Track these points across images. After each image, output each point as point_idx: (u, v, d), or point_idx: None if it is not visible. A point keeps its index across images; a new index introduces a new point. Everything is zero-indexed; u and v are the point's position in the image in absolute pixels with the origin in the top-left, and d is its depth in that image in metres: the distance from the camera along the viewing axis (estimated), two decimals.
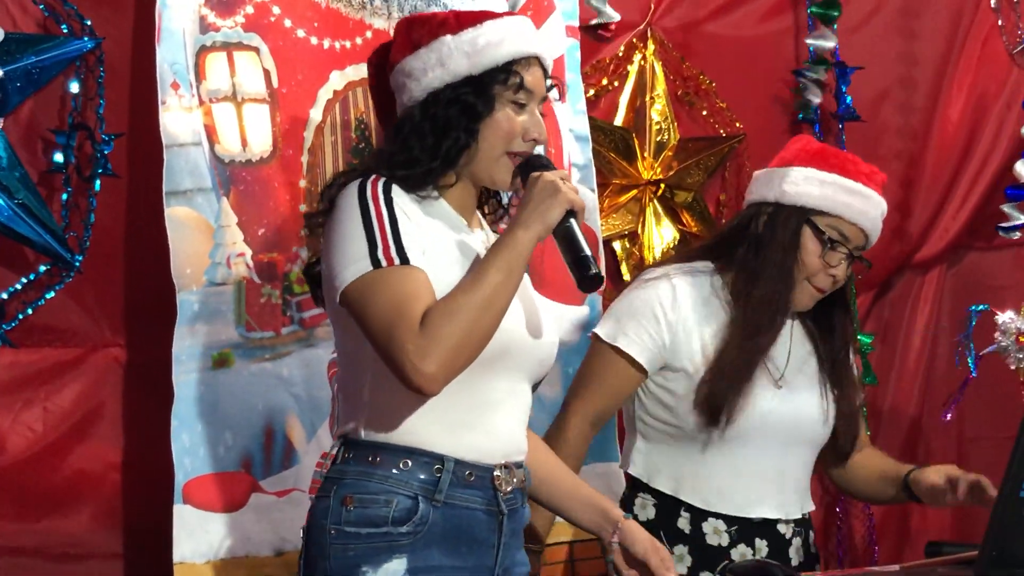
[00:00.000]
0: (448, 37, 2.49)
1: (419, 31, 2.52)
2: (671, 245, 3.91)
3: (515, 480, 2.49)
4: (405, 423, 2.40)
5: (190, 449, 2.99)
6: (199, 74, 3.09)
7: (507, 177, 2.51)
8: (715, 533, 3.00)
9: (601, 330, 3.06)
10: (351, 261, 2.35)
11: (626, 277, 3.86)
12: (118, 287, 3.17)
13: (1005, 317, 3.88)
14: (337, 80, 3.27)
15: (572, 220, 2.41)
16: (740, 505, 3.01)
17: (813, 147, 3.13)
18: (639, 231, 3.90)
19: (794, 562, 3.08)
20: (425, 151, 2.47)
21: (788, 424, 3.02)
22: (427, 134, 2.47)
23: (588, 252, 2.41)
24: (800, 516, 3.08)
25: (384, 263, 2.32)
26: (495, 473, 2.45)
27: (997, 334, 3.88)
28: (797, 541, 3.10)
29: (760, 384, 2.99)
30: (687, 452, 3.00)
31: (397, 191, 2.42)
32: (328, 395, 3.18)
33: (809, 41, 4.03)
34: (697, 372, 2.97)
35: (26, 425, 3.07)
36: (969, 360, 4.07)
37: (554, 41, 2.63)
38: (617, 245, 3.90)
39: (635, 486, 3.08)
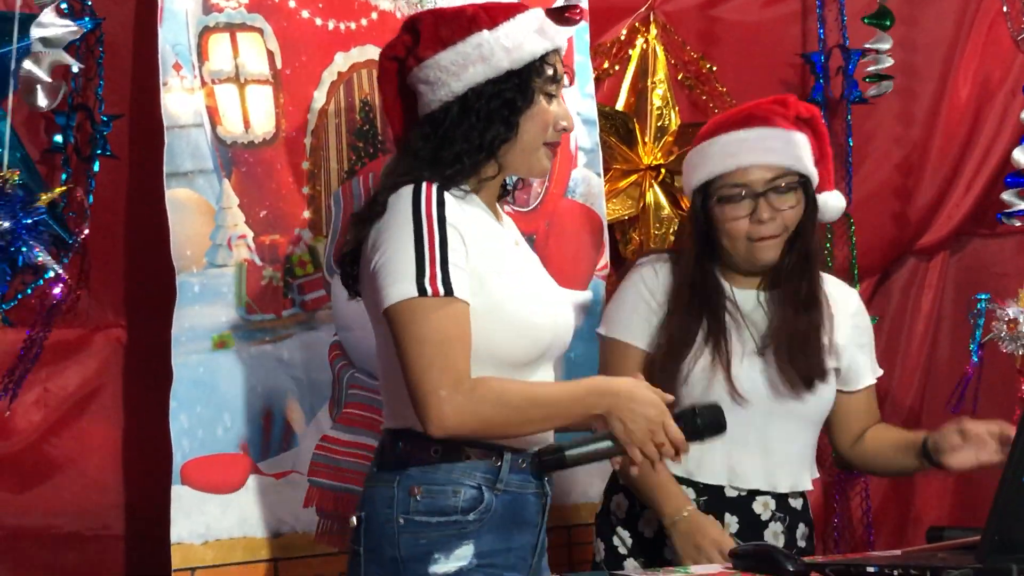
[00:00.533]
0: (485, 32, 2.53)
1: (449, 27, 2.56)
2: (671, 230, 3.89)
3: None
4: None
5: (188, 430, 2.99)
6: (202, 55, 3.08)
7: (547, 164, 2.61)
8: None
9: (602, 329, 3.13)
10: (397, 279, 2.40)
11: (626, 262, 3.86)
12: (119, 268, 3.17)
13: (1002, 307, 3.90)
14: (342, 62, 3.26)
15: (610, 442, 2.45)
16: (721, 474, 3.01)
17: (704, 128, 3.18)
18: (639, 216, 3.89)
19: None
20: (471, 146, 2.52)
21: (765, 392, 3.03)
22: (471, 129, 2.52)
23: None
24: (789, 492, 3.07)
25: (430, 292, 2.37)
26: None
27: (994, 322, 3.89)
28: (776, 526, 3.07)
29: (738, 352, 3.02)
30: None
31: (449, 199, 2.46)
32: (328, 378, 3.18)
33: (867, 46, 4.00)
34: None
35: (27, 406, 3.07)
36: (972, 348, 4.07)
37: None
38: (617, 230, 3.88)
39: None
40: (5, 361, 3.06)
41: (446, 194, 2.46)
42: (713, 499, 3.03)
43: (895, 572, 2.28)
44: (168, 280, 3.01)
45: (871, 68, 3.99)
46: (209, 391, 3.03)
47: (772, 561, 2.45)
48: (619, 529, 3.11)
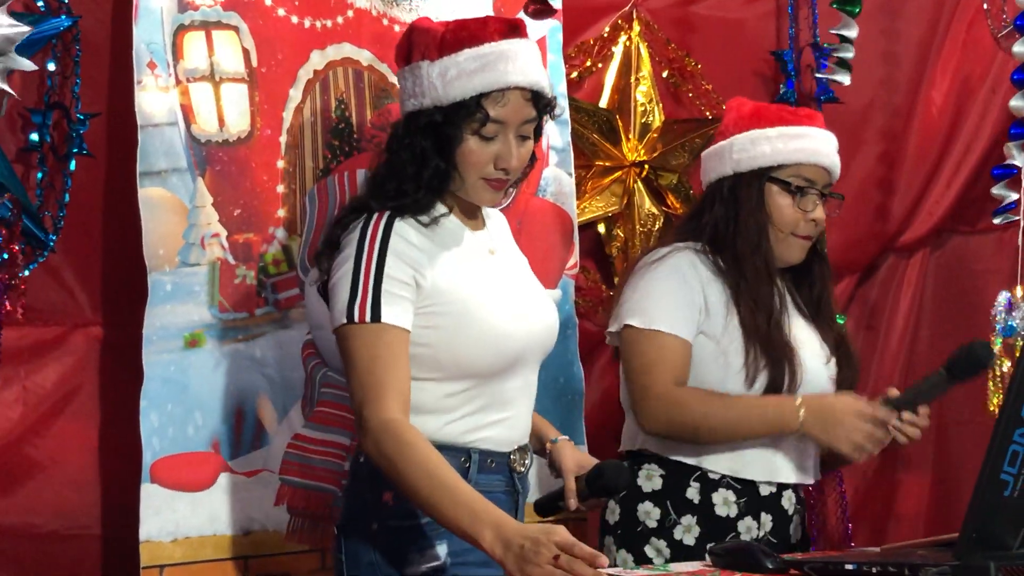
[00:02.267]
0: (425, 64, 2.58)
1: (414, 45, 2.62)
2: (656, 227, 3.90)
3: (526, 461, 2.69)
4: (435, 425, 2.56)
5: (159, 429, 2.99)
6: (176, 53, 3.07)
7: (488, 199, 2.63)
8: (724, 504, 3.03)
9: (633, 320, 3.04)
10: (336, 306, 2.53)
11: (611, 258, 3.87)
12: (96, 266, 3.16)
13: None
14: (318, 60, 3.26)
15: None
16: (759, 469, 3.02)
17: (746, 110, 3.18)
18: (623, 212, 3.90)
19: (792, 540, 3.11)
20: (410, 181, 2.58)
21: (826, 381, 3.08)
22: (408, 163, 2.59)
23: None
24: (811, 483, 3.13)
25: (356, 318, 2.48)
26: (511, 456, 2.65)
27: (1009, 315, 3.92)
28: (797, 519, 3.12)
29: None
30: None
31: (400, 226, 2.55)
32: (301, 376, 3.19)
33: (832, 31, 3.99)
34: (723, 346, 3.01)
35: (5, 404, 3.07)
36: (998, 342, 4.07)
37: (539, 63, 2.64)
38: (601, 227, 3.89)
39: (638, 458, 3.10)
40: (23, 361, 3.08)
41: (398, 223, 2.53)
42: (751, 499, 3.04)
43: (873, 570, 2.28)
44: (144, 278, 3.01)
45: (836, 54, 3.99)
46: (180, 390, 3.04)
47: (751, 558, 2.45)
48: (653, 540, 3.06)
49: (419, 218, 2.58)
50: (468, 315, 2.54)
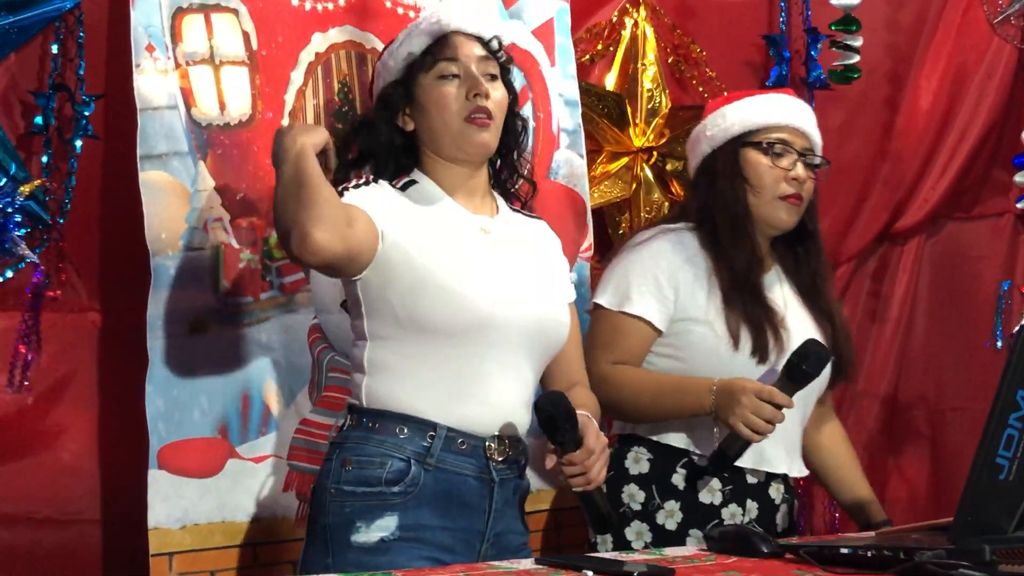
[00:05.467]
0: (380, 60, 2.75)
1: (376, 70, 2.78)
2: (662, 214, 3.87)
3: (509, 452, 2.62)
4: (401, 392, 2.56)
5: (165, 414, 2.97)
6: (175, 36, 3.05)
7: (478, 138, 2.64)
8: (708, 492, 3.01)
9: (602, 299, 3.06)
10: None
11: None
12: (95, 251, 3.15)
13: None
14: (319, 42, 3.24)
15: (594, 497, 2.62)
16: (753, 459, 2.99)
17: (718, 99, 3.30)
18: (629, 199, 3.86)
19: (779, 529, 3.09)
20: (378, 146, 2.71)
21: None
22: (377, 135, 2.72)
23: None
24: (799, 475, 3.10)
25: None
26: (487, 443, 2.59)
27: None
28: (784, 508, 3.11)
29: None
30: None
31: (380, 184, 2.66)
32: (308, 361, 3.16)
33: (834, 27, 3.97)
34: (710, 319, 2.99)
35: (2, 389, 3.05)
36: (997, 333, 4.07)
37: (483, 14, 2.71)
38: (607, 213, 3.86)
39: (628, 442, 3.08)
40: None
41: (373, 184, 2.63)
42: (737, 487, 3.02)
43: (868, 553, 2.26)
44: (144, 263, 2.99)
45: (840, 52, 3.97)
46: (186, 375, 3.01)
47: (747, 543, 2.43)
48: (635, 523, 3.05)
49: (390, 182, 2.66)
50: (431, 272, 2.54)
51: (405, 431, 2.54)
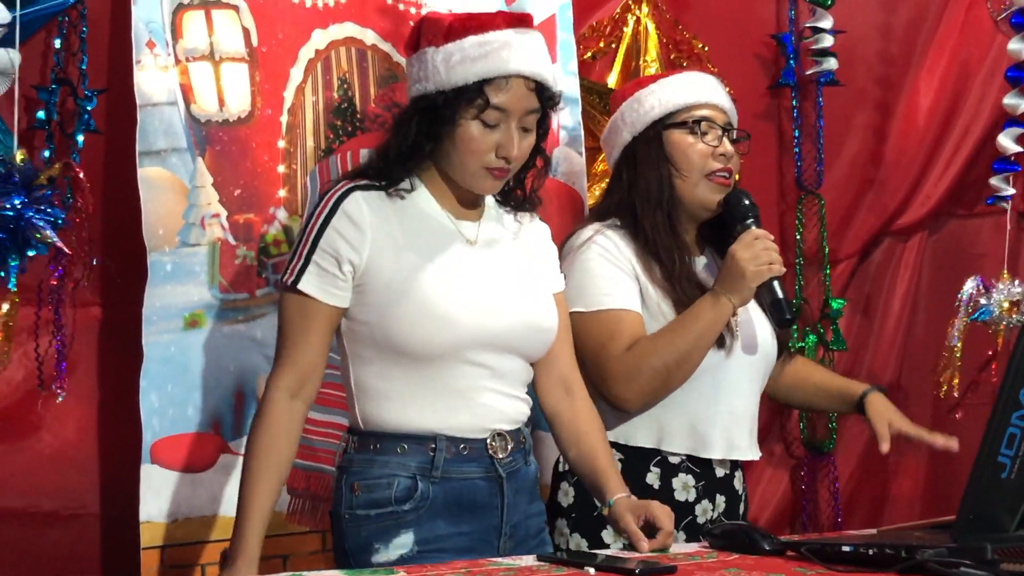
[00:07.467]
0: (431, 50, 2.58)
1: (422, 34, 2.63)
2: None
3: (511, 444, 2.65)
4: (393, 412, 2.59)
5: (158, 409, 2.99)
6: (176, 33, 3.07)
7: (488, 186, 2.63)
8: (684, 489, 3.02)
9: (577, 307, 3.00)
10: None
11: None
12: (96, 245, 3.15)
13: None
14: (319, 39, 3.25)
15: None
16: (724, 447, 3.01)
17: (627, 85, 3.31)
18: None
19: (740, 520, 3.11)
20: (397, 152, 2.61)
21: (771, 347, 3.08)
22: (396, 140, 2.62)
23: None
24: (756, 457, 3.11)
25: (284, 279, 2.58)
26: (488, 442, 2.62)
27: (981, 299, 3.90)
28: (744, 497, 3.14)
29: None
30: (664, 402, 2.99)
31: (354, 200, 2.56)
32: None
33: (807, 24, 3.97)
34: (664, 311, 2.98)
35: (4, 382, 3.06)
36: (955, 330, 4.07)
37: (544, 55, 2.65)
38: None
39: None
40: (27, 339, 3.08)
41: (354, 195, 2.56)
42: (708, 482, 3.03)
43: (870, 551, 2.26)
44: (144, 258, 3.00)
45: (813, 47, 3.97)
46: (180, 370, 3.03)
47: (748, 540, 2.45)
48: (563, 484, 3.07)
49: (387, 190, 2.60)
50: (405, 293, 2.52)
51: (406, 448, 2.57)
